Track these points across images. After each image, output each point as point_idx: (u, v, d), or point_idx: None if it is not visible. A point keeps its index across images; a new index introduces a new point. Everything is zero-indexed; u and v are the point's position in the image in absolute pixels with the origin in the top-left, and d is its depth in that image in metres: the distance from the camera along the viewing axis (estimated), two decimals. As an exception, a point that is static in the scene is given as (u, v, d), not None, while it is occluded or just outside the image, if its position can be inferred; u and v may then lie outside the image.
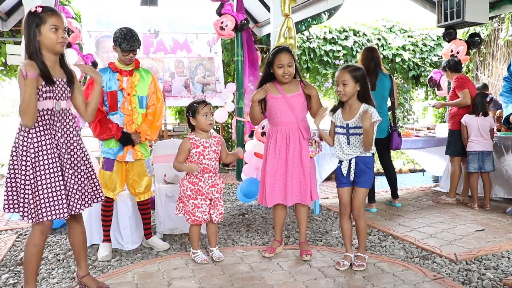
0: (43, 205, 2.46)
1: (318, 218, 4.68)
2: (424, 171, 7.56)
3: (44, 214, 2.46)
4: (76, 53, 4.77)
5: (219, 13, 6.11)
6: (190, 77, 7.34)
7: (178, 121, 9.03)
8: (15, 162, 2.49)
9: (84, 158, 2.71)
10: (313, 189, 3.43)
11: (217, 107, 7.63)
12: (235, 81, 6.73)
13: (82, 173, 2.68)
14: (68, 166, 2.57)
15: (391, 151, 5.05)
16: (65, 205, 2.51)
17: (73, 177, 2.60)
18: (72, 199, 2.57)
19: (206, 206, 3.34)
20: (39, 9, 2.46)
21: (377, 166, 6.63)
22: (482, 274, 3.09)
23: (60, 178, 2.51)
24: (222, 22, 6.02)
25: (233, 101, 6.64)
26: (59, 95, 2.55)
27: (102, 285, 2.79)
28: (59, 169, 2.51)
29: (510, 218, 4.52)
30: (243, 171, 5.16)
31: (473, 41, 6.17)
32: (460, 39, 6.20)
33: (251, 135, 6.30)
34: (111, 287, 2.87)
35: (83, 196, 2.66)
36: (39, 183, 2.46)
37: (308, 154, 3.37)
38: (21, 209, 2.49)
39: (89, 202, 2.72)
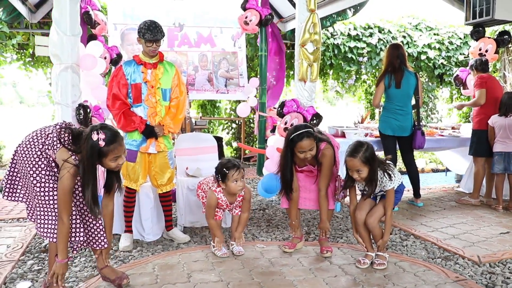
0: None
1: (339, 216, 4.65)
2: (448, 170, 7.44)
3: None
4: (102, 45, 4.81)
5: (244, 8, 6.11)
6: (213, 71, 7.35)
7: (201, 115, 9.07)
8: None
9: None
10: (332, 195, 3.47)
11: (239, 101, 7.64)
12: (258, 76, 6.72)
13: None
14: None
15: (414, 150, 4.98)
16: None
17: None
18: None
19: (222, 210, 3.49)
20: (102, 143, 2.42)
21: (399, 164, 6.55)
22: (506, 278, 3.03)
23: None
24: (246, 17, 6.01)
25: (255, 96, 6.62)
26: None
27: (122, 275, 2.82)
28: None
29: (536, 222, 4.42)
30: (264, 166, 5.15)
31: (503, 40, 6.01)
32: (489, 37, 6.06)
33: (273, 130, 6.30)
34: (132, 277, 2.90)
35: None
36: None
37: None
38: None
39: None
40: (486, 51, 5.86)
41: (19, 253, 3.44)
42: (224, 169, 3.24)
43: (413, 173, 5.03)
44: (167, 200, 3.81)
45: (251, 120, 8.96)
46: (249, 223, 4.35)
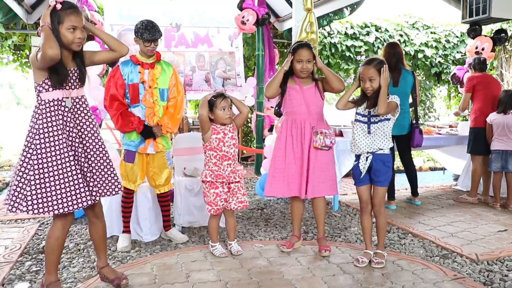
0: (49, 198, 2.42)
1: (337, 214, 4.66)
2: (445, 169, 7.45)
3: (51, 207, 2.43)
4: (99, 46, 4.81)
5: (241, 7, 6.11)
6: (210, 71, 7.35)
7: (198, 115, 9.07)
8: (24, 153, 2.47)
9: (100, 149, 2.67)
10: (332, 183, 3.42)
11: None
12: (256, 75, 6.73)
13: (95, 165, 2.65)
14: (80, 156, 2.56)
15: (411, 148, 4.99)
16: (74, 197, 2.47)
17: (84, 169, 2.58)
18: (82, 190, 2.52)
19: (224, 193, 3.36)
20: (59, 6, 2.43)
21: (397, 163, 6.56)
22: (504, 275, 3.03)
23: (69, 169, 2.47)
24: (243, 17, 6.02)
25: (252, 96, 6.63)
26: (69, 85, 2.54)
27: (121, 276, 2.81)
28: (68, 160, 2.47)
29: (534, 219, 4.43)
30: (262, 166, 5.16)
31: (499, 38, 6.04)
32: (486, 36, 6.07)
33: (270, 130, 6.30)
34: (130, 277, 2.90)
35: (94, 188, 2.64)
36: (46, 175, 2.42)
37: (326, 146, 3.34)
38: (26, 203, 2.41)
39: (99, 194, 2.67)
40: (483, 49, 5.88)
41: (17, 254, 3.44)
42: (212, 98, 3.31)
43: (411, 171, 5.04)
44: (165, 200, 3.81)
45: (249, 120, 8.96)
46: (247, 222, 4.36)
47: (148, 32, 3.42)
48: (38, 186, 2.42)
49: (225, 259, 3.29)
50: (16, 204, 2.45)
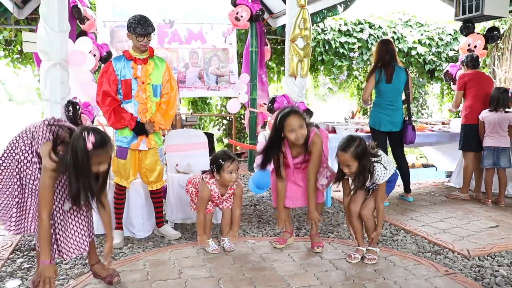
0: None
1: (330, 211, 4.67)
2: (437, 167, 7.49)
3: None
4: (91, 42, 4.78)
5: (234, 4, 6.09)
6: (204, 68, 7.33)
7: (191, 111, 9.04)
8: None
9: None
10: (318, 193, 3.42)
11: (230, 97, 7.62)
12: (249, 71, 6.70)
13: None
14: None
15: (404, 145, 5.00)
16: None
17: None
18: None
19: (213, 204, 3.46)
20: (90, 146, 2.34)
21: (390, 160, 6.59)
22: (495, 271, 3.05)
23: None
24: (237, 13, 6.00)
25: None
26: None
27: (113, 273, 2.81)
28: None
29: (525, 215, 4.47)
30: (255, 162, 5.16)
31: (492, 35, 6.06)
32: (478, 33, 6.09)
33: (263, 126, 6.30)
34: (123, 274, 2.89)
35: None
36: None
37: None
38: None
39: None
40: (475, 47, 5.90)
41: (8, 252, 3.42)
42: (220, 160, 3.24)
43: (403, 168, 5.05)
44: (157, 197, 3.79)
45: (242, 116, 8.95)
46: (240, 219, 4.35)
47: (141, 26, 3.40)
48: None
49: (217, 255, 3.29)
50: None
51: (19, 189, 2.50)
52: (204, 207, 3.37)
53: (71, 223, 2.58)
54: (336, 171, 3.26)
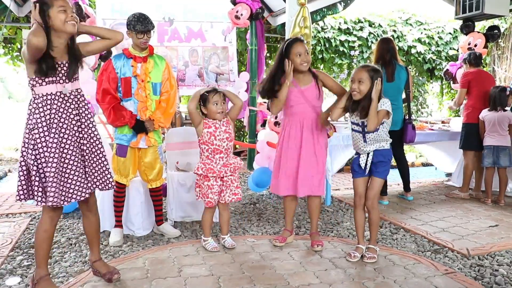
0: (40, 189, 2.45)
1: (329, 209, 4.67)
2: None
3: (45, 199, 2.46)
4: (91, 39, 4.77)
5: (234, 2, 6.09)
6: (204, 66, 7.33)
7: (187, 108, 9.03)
8: (25, 144, 2.49)
9: (96, 142, 2.67)
10: (319, 183, 3.41)
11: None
12: (249, 70, 6.70)
13: (91, 158, 2.65)
14: (76, 149, 2.57)
15: (404, 144, 5.00)
16: (58, 193, 2.47)
17: (80, 161, 2.59)
18: (74, 186, 2.55)
19: (217, 186, 3.35)
20: None
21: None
22: (495, 270, 3.05)
23: (65, 163, 2.50)
24: (237, 11, 6.00)
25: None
26: (63, 78, 2.52)
27: (113, 270, 2.81)
28: (63, 153, 2.50)
29: (524, 214, 4.47)
30: (255, 161, 5.16)
31: (492, 34, 6.06)
32: (478, 32, 6.09)
33: (263, 125, 6.30)
34: (122, 272, 2.89)
35: (88, 183, 2.64)
36: (40, 166, 2.45)
37: (322, 145, 3.37)
38: (32, 194, 2.50)
39: (94, 187, 2.69)
40: (475, 45, 5.90)
41: (8, 249, 3.41)
42: (205, 92, 3.31)
43: (403, 167, 5.05)
44: (157, 195, 3.79)
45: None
46: (240, 217, 4.36)
47: (140, 23, 3.39)
48: (35, 179, 2.44)
49: (217, 253, 3.29)
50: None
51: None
52: (200, 120, 3.34)
53: (72, 170, 2.57)
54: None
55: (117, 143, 3.57)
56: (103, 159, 2.71)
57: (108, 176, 2.74)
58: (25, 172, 2.50)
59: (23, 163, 2.50)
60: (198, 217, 3.72)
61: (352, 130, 3.23)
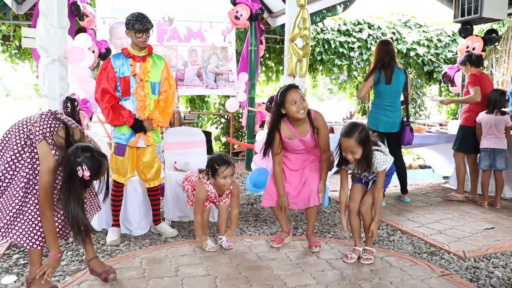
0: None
1: (326, 211, 4.68)
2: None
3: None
4: (90, 38, 4.78)
5: (234, 2, 6.09)
6: (203, 66, 7.33)
7: (190, 109, 9.04)
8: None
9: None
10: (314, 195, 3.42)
11: (228, 96, 7.62)
12: (248, 70, 6.71)
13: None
14: None
15: (401, 146, 5.01)
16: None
17: None
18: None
19: (209, 202, 3.46)
20: (87, 177, 2.38)
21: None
22: (490, 272, 3.07)
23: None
24: (237, 12, 6.01)
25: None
26: None
27: (109, 270, 2.80)
28: None
29: (521, 218, 4.48)
30: (253, 161, 5.16)
31: (490, 38, 6.08)
32: (477, 35, 6.11)
33: (261, 125, 6.31)
34: (119, 271, 2.89)
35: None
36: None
37: (318, 162, 3.40)
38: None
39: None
40: (474, 49, 5.91)
41: (4, 247, 3.41)
42: (215, 164, 3.23)
43: (400, 169, 5.05)
44: (155, 194, 3.80)
45: (240, 115, 8.96)
46: (238, 218, 4.35)
47: (139, 22, 3.40)
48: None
49: (214, 253, 3.29)
50: None
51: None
52: (202, 207, 3.37)
53: None
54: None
55: (116, 142, 3.57)
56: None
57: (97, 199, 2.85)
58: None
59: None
60: (196, 217, 3.73)
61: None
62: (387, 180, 3.21)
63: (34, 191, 2.50)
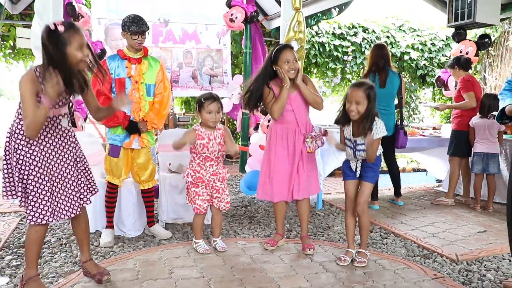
0: (33, 208, 2.47)
1: (320, 213, 4.69)
2: (427, 171, 7.55)
3: (35, 218, 2.47)
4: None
5: (229, 5, 6.10)
6: (197, 68, 7.33)
7: (184, 111, 9.03)
8: (10, 156, 2.51)
9: (77, 156, 2.70)
10: (314, 182, 3.46)
11: (223, 98, 7.60)
12: (243, 73, 6.72)
13: (77, 172, 2.68)
14: (61, 168, 2.58)
15: (395, 149, 5.03)
16: (51, 211, 2.50)
17: (66, 179, 2.60)
18: (65, 202, 2.58)
19: (206, 194, 3.36)
20: (61, 28, 2.35)
21: (381, 163, 6.63)
22: (482, 275, 3.09)
23: (48, 184, 2.50)
24: (232, 14, 6.02)
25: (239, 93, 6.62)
26: (59, 104, 2.55)
27: (103, 271, 2.80)
28: (47, 174, 2.50)
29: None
30: (247, 164, 5.18)
31: (483, 42, 6.14)
32: (470, 40, 6.16)
33: (256, 128, 6.31)
34: (113, 273, 2.89)
35: (77, 199, 2.65)
36: (29, 186, 2.46)
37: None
38: (19, 194, 2.50)
39: (85, 199, 2.73)
40: (467, 53, 5.96)
41: (-3, 248, 3.40)
42: (202, 98, 3.28)
43: (394, 172, 5.08)
44: (149, 196, 3.79)
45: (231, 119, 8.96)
46: (231, 220, 4.36)
47: (135, 24, 3.40)
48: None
49: (208, 256, 3.29)
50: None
51: None
52: (183, 144, 3.26)
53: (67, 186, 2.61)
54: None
55: (110, 143, 3.56)
56: (87, 168, 2.77)
57: (93, 182, 2.80)
58: (9, 171, 2.53)
59: (7, 165, 2.53)
60: (190, 219, 3.72)
61: (346, 139, 3.26)
62: (374, 173, 3.20)
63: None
